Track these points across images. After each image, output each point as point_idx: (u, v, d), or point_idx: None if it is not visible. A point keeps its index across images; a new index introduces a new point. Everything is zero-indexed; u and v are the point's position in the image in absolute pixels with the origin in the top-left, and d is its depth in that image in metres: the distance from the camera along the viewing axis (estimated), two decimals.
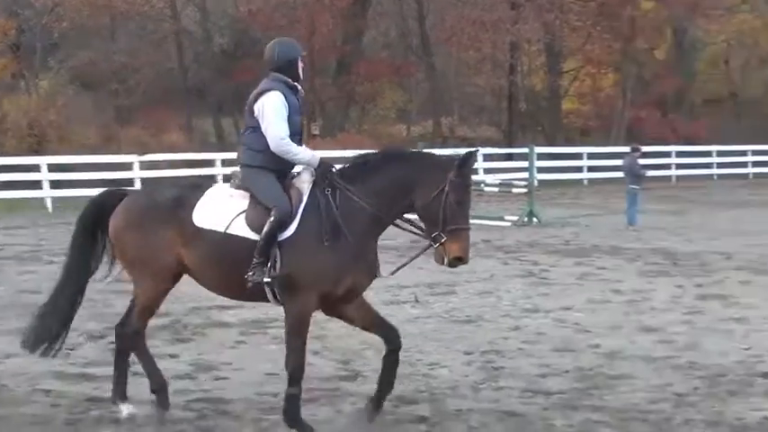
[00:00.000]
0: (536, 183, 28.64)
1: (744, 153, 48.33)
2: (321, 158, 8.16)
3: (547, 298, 14.07)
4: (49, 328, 8.53)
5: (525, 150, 31.66)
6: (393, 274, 8.34)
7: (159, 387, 8.38)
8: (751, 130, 59.34)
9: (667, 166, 44.90)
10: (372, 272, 8.12)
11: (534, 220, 25.67)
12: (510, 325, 12.22)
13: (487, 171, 39.37)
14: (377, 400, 8.18)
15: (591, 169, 43.10)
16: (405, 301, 13.79)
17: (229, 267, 7.96)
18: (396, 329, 8.28)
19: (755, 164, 48.30)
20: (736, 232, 23.41)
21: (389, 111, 54.98)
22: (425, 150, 8.61)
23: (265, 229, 7.80)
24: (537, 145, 35.24)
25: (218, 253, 8.00)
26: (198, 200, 8.14)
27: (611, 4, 47.07)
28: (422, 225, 8.02)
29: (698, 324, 12.12)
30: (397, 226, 8.23)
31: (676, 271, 16.83)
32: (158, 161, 34.54)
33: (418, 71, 51.86)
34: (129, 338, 8.45)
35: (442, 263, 7.88)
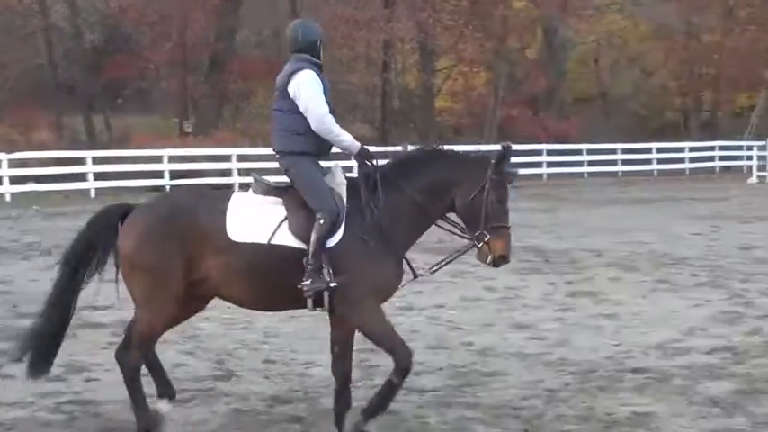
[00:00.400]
0: None
1: (613, 151, 49.32)
2: (362, 145, 7.93)
3: (421, 296, 14.06)
4: (41, 347, 7.94)
5: (399, 148, 31.72)
6: (433, 272, 8.35)
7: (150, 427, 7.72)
8: (620, 128, 60.67)
9: (538, 165, 45.54)
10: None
11: None
12: None
13: None
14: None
15: None
16: None
17: (275, 278, 7.51)
18: None
19: (624, 162, 49.26)
20: (606, 230, 23.82)
21: (263, 109, 54.62)
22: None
23: (316, 235, 7.39)
24: (410, 143, 35.36)
25: (262, 265, 7.49)
26: (225, 212, 7.59)
27: (483, 3, 47.67)
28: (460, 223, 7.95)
29: (569, 321, 12.26)
30: (438, 225, 8.09)
31: (548, 268, 17.03)
32: (27, 159, 33.80)
33: None
34: (133, 370, 7.77)
35: (486, 262, 7.94)
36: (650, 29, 61.74)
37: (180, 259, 7.49)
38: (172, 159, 35.89)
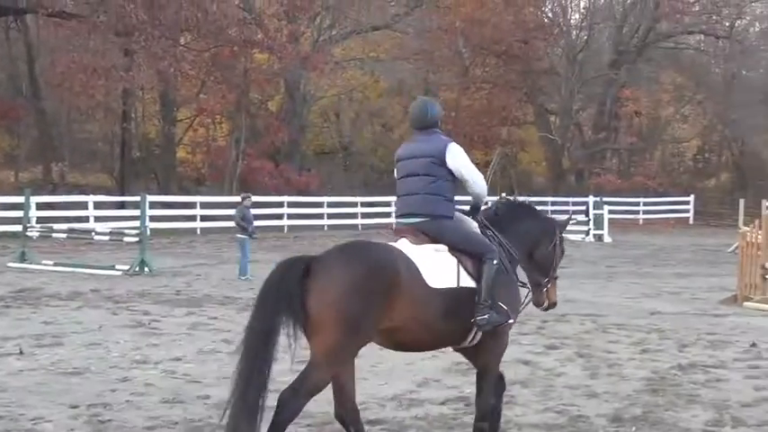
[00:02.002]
0: (148, 231, 28.26)
1: (353, 204, 49.97)
2: None
3: (157, 348, 13.80)
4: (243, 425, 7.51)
5: (137, 198, 31.26)
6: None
7: None
8: (360, 181, 61.69)
9: (279, 216, 45.71)
10: None
11: (146, 269, 25.26)
12: (118, 377, 11.87)
13: (98, 219, 38.57)
14: None
15: (204, 218, 43.17)
16: (9, 354, 13.12)
17: (460, 319, 8.11)
18: None
19: (364, 215, 49.98)
20: None
21: None
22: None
23: (489, 274, 8.15)
24: (150, 193, 34.93)
25: (453, 307, 8.02)
26: (408, 261, 7.93)
27: (225, 54, 47.54)
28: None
29: None
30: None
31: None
32: None
33: (27, 115, 50.12)
34: (293, 414, 7.69)
35: (541, 306, 9.18)
36: (390, 85, 63.22)
37: (380, 312, 7.62)
38: None
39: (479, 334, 8.24)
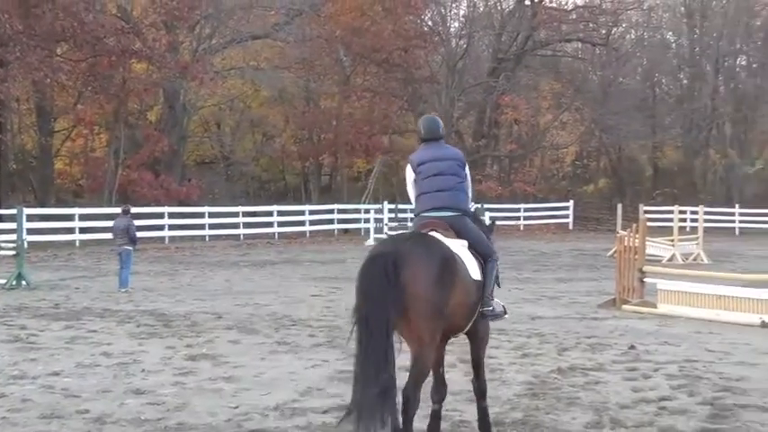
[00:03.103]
0: (26, 245, 27.65)
1: (235, 214, 49.67)
2: None
3: (35, 363, 13.52)
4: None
5: (14, 211, 30.63)
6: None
7: None
8: (242, 191, 61.43)
9: (160, 227, 45.19)
10: None
11: (23, 283, 24.73)
12: None
13: (31, 232, 37.59)
14: None
15: (83, 230, 42.39)
16: None
17: (476, 308, 9.18)
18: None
19: (246, 225, 49.67)
20: (227, 292, 23.91)
21: None
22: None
23: (493, 271, 9.42)
24: (27, 206, 34.25)
25: (478, 298, 9.16)
26: (456, 252, 8.93)
27: (102, 64, 46.79)
28: None
29: (188, 385, 12.10)
30: None
31: (168, 332, 16.80)
32: None
33: None
34: (417, 404, 8.58)
35: None
36: (271, 94, 63.03)
37: (449, 299, 8.56)
38: None
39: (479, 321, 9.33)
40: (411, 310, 8.28)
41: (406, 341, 8.54)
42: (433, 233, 9.09)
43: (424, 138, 9.89)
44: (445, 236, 9.09)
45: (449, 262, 8.61)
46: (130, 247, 24.60)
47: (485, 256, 9.40)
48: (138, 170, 51.09)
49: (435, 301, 8.36)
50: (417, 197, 9.67)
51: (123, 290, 23.79)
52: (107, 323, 18.01)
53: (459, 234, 9.34)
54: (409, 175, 9.82)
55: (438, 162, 9.61)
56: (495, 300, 9.43)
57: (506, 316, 9.77)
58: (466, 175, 9.78)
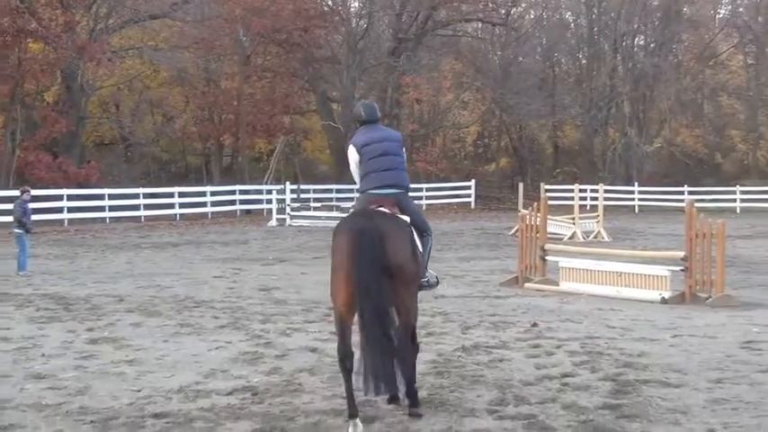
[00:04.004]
0: None
1: (136, 196, 49.21)
2: None
3: None
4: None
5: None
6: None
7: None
8: (142, 173, 60.76)
9: (59, 210, 44.51)
10: None
11: None
12: None
13: None
14: None
15: None
16: None
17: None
18: None
19: (147, 206, 49.24)
20: (129, 275, 23.65)
21: None
22: None
23: (429, 246, 10.44)
24: None
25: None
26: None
27: None
28: None
29: (90, 368, 11.92)
30: None
31: (68, 316, 16.54)
32: None
33: None
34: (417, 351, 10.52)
35: None
36: (170, 74, 62.37)
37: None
38: None
39: None
40: (396, 277, 9.26)
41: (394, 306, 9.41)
42: (381, 209, 9.83)
43: (365, 120, 10.63)
44: (392, 212, 9.86)
45: (413, 237, 9.79)
46: (24, 231, 24.14)
47: (422, 231, 10.25)
48: (36, 152, 50.18)
49: (413, 270, 9.56)
50: (363, 176, 10.34)
51: (22, 273, 23.39)
52: (5, 307, 17.67)
53: (402, 210, 10.11)
54: (353, 155, 10.42)
55: (381, 143, 10.37)
56: (429, 271, 10.46)
57: (438, 286, 11.01)
58: (404, 154, 10.60)
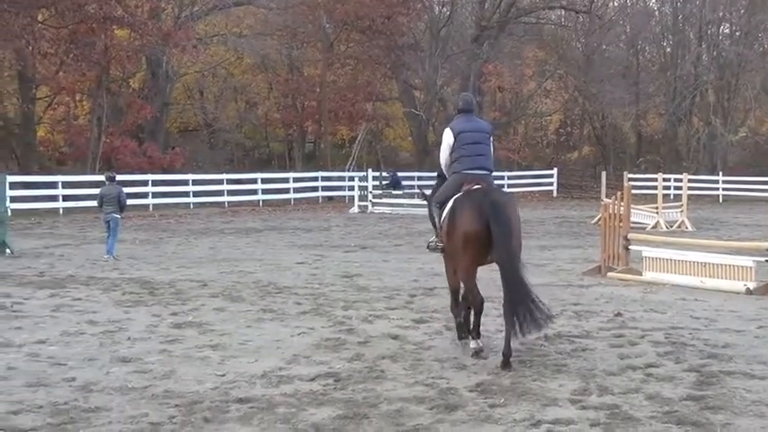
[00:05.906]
0: (9, 212, 27.56)
1: (219, 182, 49.65)
2: None
3: (20, 332, 13.46)
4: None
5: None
6: None
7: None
8: (226, 159, 61.28)
9: (144, 195, 45.11)
10: None
11: (7, 251, 24.64)
12: None
13: (15, 200, 37.11)
14: None
15: (67, 198, 42.27)
16: None
17: None
18: None
19: (230, 192, 49.69)
20: (212, 260, 23.87)
21: None
22: None
23: None
24: (10, 173, 34.07)
25: None
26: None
27: (83, 31, 46.39)
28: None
29: (174, 352, 12.07)
30: None
31: (153, 300, 16.76)
32: None
33: None
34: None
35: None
36: (254, 61, 62.76)
37: None
38: None
39: None
40: (514, 238, 11.37)
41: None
42: (478, 186, 11.84)
43: (462, 109, 12.64)
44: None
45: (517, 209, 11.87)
46: (119, 215, 24.42)
47: None
48: (122, 138, 50.89)
49: (519, 233, 11.60)
50: (458, 158, 12.25)
51: (108, 257, 23.69)
52: (92, 291, 17.96)
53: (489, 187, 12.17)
54: (448, 138, 12.37)
55: (475, 133, 12.35)
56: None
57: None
58: (491, 144, 12.56)
